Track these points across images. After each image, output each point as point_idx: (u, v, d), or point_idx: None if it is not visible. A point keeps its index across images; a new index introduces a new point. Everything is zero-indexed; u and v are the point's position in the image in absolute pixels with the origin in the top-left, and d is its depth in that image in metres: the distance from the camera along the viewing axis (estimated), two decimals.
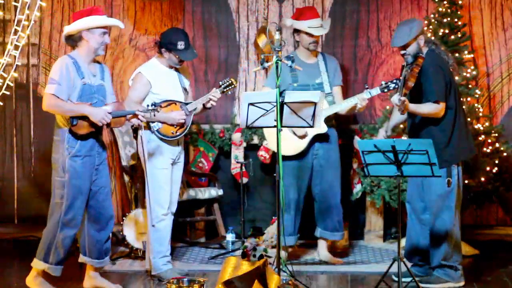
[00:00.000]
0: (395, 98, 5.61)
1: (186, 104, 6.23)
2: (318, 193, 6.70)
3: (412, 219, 6.07)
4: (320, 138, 6.59)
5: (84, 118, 5.54)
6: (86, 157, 5.62)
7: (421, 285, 5.71)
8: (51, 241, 5.64)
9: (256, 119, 5.61)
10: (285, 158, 6.45)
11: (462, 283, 5.95)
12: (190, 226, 7.66)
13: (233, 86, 6.32)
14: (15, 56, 7.55)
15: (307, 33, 6.54)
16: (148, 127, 6.17)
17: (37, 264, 5.72)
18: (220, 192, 7.48)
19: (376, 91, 6.39)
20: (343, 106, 6.51)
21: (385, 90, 6.38)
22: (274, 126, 5.54)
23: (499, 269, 6.47)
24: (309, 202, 6.80)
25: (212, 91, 6.29)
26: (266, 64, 5.67)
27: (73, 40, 5.61)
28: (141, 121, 5.78)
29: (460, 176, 5.88)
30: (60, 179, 5.58)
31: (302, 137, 6.55)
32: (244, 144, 7.58)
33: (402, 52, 5.86)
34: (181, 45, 6.16)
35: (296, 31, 6.61)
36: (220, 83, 6.33)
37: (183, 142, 6.39)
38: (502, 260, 6.79)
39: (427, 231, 5.97)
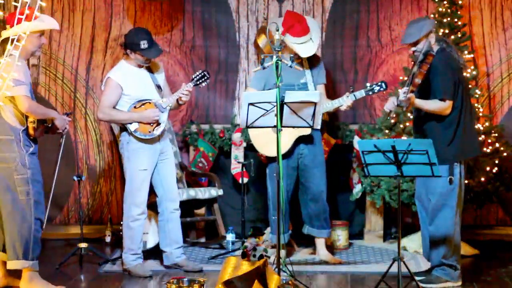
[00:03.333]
0: (400, 93, 5.62)
1: (160, 101, 6.27)
2: (304, 192, 6.71)
3: (423, 217, 6.05)
4: (304, 139, 6.60)
5: (43, 122, 5.65)
6: (36, 154, 5.72)
7: (421, 285, 5.71)
8: (28, 238, 5.62)
9: (256, 119, 5.61)
10: (272, 159, 6.58)
11: (459, 283, 5.94)
12: (190, 226, 7.66)
13: (206, 77, 6.34)
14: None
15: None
16: (125, 129, 6.21)
17: (19, 265, 5.63)
18: (220, 192, 7.47)
19: (360, 94, 6.43)
20: (327, 108, 6.52)
21: (370, 93, 6.46)
22: (274, 126, 5.55)
23: (499, 269, 6.47)
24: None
25: (184, 85, 6.33)
26: (266, 64, 5.67)
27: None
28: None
29: (462, 175, 5.87)
30: (21, 176, 5.60)
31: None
32: (244, 144, 7.57)
33: (413, 49, 5.85)
34: (144, 44, 6.19)
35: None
36: (193, 76, 6.36)
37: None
38: (502, 260, 6.79)
39: None
